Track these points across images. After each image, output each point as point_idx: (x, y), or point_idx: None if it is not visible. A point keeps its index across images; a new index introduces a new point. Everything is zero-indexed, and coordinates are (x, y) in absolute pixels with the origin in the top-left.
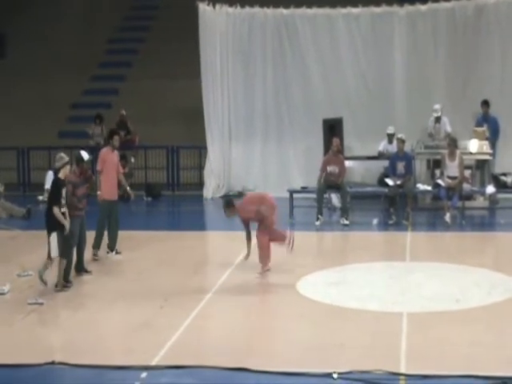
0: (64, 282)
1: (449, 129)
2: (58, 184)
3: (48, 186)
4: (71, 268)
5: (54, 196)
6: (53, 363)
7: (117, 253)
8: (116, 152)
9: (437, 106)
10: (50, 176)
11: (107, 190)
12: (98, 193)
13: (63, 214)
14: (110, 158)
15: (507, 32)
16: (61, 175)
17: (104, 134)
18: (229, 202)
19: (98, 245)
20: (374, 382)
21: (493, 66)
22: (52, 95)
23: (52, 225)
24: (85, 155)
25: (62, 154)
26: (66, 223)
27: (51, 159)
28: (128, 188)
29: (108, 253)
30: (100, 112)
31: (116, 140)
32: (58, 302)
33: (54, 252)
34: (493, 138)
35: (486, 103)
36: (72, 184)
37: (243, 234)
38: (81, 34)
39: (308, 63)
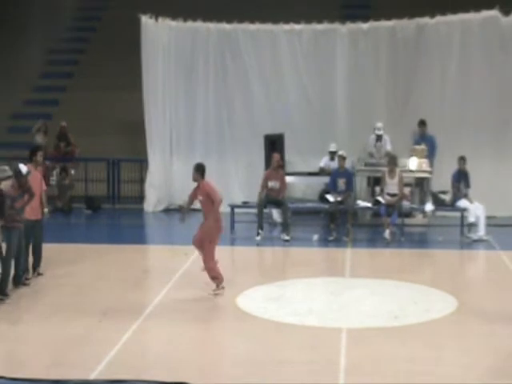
0: None
1: (389, 147)
2: None
3: None
4: (8, 280)
5: None
6: None
7: (39, 274)
8: (40, 169)
9: (379, 125)
10: None
11: (29, 209)
12: None
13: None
14: (33, 175)
15: (446, 52)
16: (1, 187)
17: (45, 144)
18: (200, 166)
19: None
20: None
21: (432, 85)
22: None
23: None
24: (23, 169)
25: (6, 167)
26: None
27: None
28: (46, 210)
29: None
30: (46, 122)
31: (40, 156)
32: None
33: None
34: (430, 156)
35: (422, 123)
36: (10, 198)
37: (184, 248)
38: (22, 44)
39: (250, 78)
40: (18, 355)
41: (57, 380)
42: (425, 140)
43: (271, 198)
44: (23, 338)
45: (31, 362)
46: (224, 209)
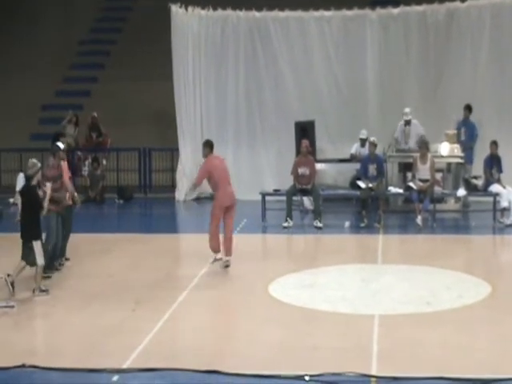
0: (41, 287)
1: (421, 131)
2: (33, 192)
3: (18, 188)
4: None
5: (36, 202)
6: (23, 366)
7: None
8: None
9: (406, 110)
10: (20, 178)
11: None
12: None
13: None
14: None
15: (478, 36)
16: (34, 182)
17: (76, 135)
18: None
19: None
20: (346, 383)
21: (463, 70)
22: (23, 97)
23: (33, 234)
24: (60, 144)
25: (35, 161)
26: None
27: (23, 162)
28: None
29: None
30: (76, 113)
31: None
32: (30, 304)
33: (40, 259)
34: (469, 142)
35: (467, 108)
36: (50, 178)
37: None
38: (53, 35)
39: (280, 66)
40: (52, 345)
41: (91, 369)
42: (466, 125)
43: (302, 185)
44: (57, 327)
45: (65, 352)
46: (255, 197)
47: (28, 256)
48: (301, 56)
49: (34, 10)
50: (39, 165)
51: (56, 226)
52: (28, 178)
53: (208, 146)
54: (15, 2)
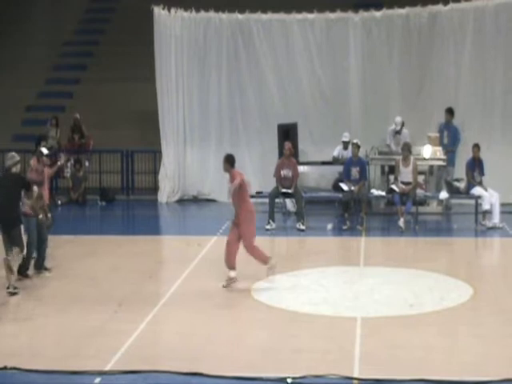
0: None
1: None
2: (18, 175)
3: None
4: (29, 264)
5: (25, 183)
6: (5, 368)
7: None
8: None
9: (398, 119)
10: None
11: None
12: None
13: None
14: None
15: (460, 39)
16: (14, 170)
17: (58, 137)
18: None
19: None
20: None
21: (446, 73)
22: (6, 98)
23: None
24: (44, 150)
25: (13, 153)
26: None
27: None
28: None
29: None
30: (55, 114)
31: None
32: (11, 305)
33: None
34: (451, 145)
35: (449, 111)
36: (34, 183)
37: (198, 238)
38: (36, 36)
39: (263, 68)
40: (34, 347)
41: (73, 371)
42: (448, 129)
43: (284, 191)
44: (39, 329)
45: (47, 354)
46: None
47: (19, 241)
48: (283, 58)
49: (19, 11)
50: (18, 158)
51: (36, 229)
52: (7, 169)
53: (228, 161)
54: (0, 4)
